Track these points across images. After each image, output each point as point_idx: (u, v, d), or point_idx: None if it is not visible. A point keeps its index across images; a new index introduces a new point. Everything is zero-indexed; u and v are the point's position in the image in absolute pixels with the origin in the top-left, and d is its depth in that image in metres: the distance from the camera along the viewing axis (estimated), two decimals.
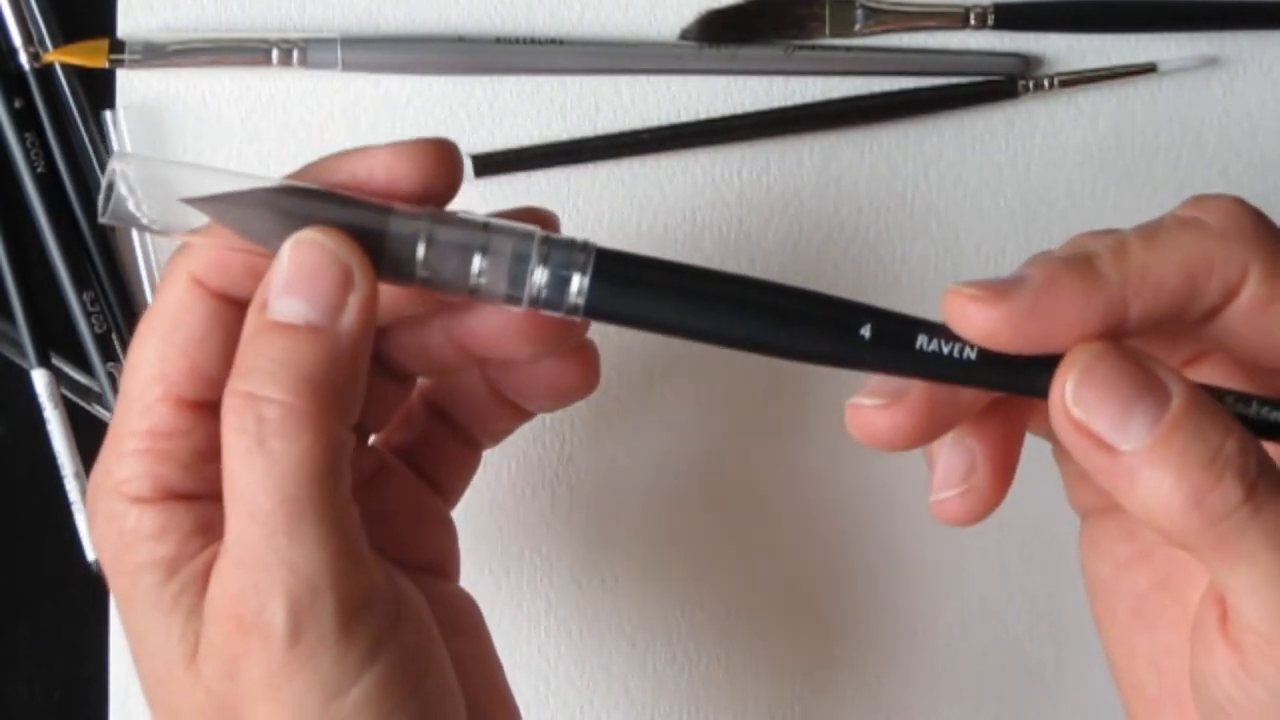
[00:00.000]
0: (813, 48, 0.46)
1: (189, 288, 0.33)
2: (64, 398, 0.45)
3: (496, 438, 0.41)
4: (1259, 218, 0.33)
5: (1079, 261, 0.31)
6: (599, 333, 0.47)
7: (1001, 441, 0.35)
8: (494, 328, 0.36)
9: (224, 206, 0.31)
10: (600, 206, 0.46)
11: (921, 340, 0.32)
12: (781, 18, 0.46)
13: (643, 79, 0.46)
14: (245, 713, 0.32)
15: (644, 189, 0.47)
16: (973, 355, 0.32)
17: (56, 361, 0.45)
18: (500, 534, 0.47)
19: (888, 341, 0.32)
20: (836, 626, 0.48)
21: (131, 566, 0.33)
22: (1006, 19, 0.46)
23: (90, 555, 0.45)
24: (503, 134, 0.46)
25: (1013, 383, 0.32)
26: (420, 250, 0.31)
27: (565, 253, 0.32)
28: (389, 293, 0.33)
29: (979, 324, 0.31)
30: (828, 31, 0.46)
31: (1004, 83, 0.47)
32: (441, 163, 0.33)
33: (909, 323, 0.32)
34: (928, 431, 0.33)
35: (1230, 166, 0.47)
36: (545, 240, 0.32)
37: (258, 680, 0.31)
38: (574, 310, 0.32)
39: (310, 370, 0.31)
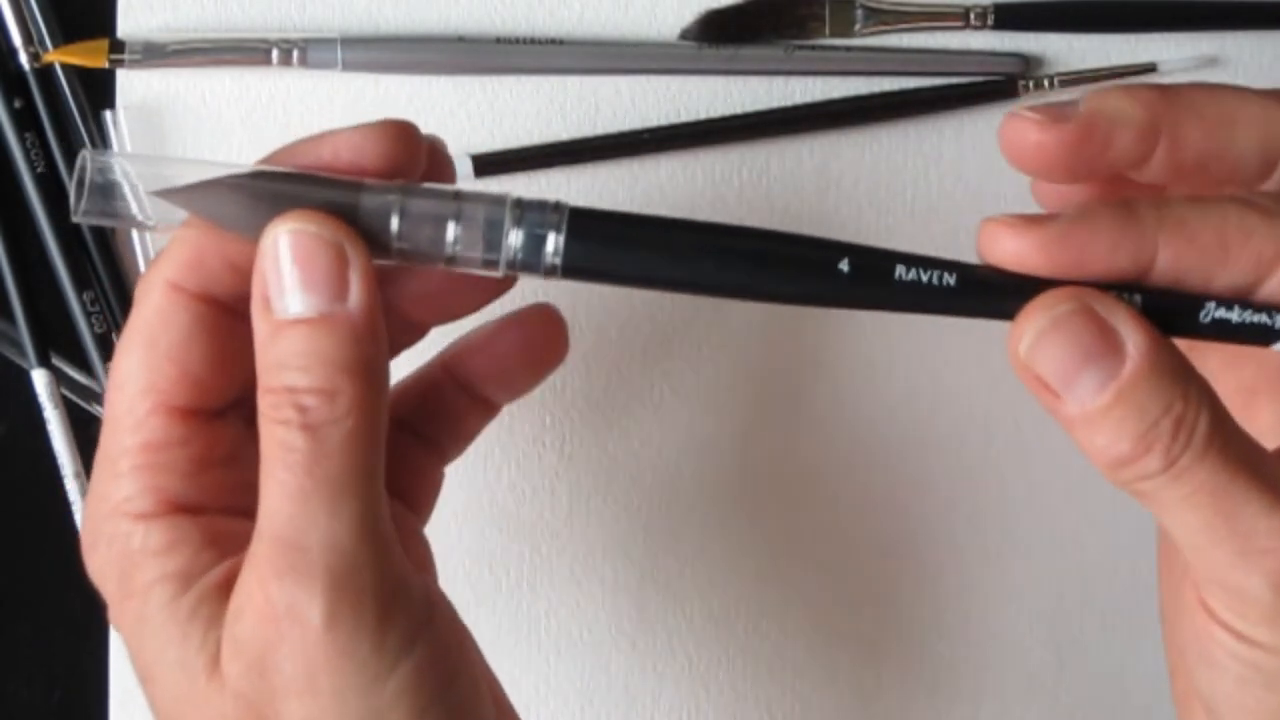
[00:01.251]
0: (813, 48, 0.46)
1: (167, 294, 0.33)
2: (64, 398, 0.45)
3: (460, 440, 0.41)
4: None
5: (1118, 202, 0.32)
6: (596, 335, 0.47)
7: None
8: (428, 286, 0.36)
9: (195, 196, 0.31)
10: (600, 207, 0.46)
11: (900, 270, 0.32)
12: (781, 18, 0.46)
13: (643, 79, 0.46)
14: (278, 708, 0.31)
15: (644, 189, 0.47)
16: (952, 281, 0.32)
17: (56, 361, 0.45)
18: (500, 534, 0.47)
19: (866, 274, 0.32)
20: (836, 627, 0.48)
21: (142, 586, 0.32)
22: (1006, 19, 0.46)
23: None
24: (503, 134, 0.46)
25: (990, 310, 0.33)
26: (395, 223, 0.32)
27: (539, 214, 0.32)
28: None
29: (1009, 249, 0.32)
30: (828, 31, 0.46)
31: (1004, 83, 0.47)
32: (403, 140, 0.33)
33: (886, 255, 0.32)
34: (1073, 162, 0.34)
35: None
36: (518, 203, 0.32)
37: (293, 673, 0.30)
38: (552, 271, 0.32)
39: (338, 356, 0.31)
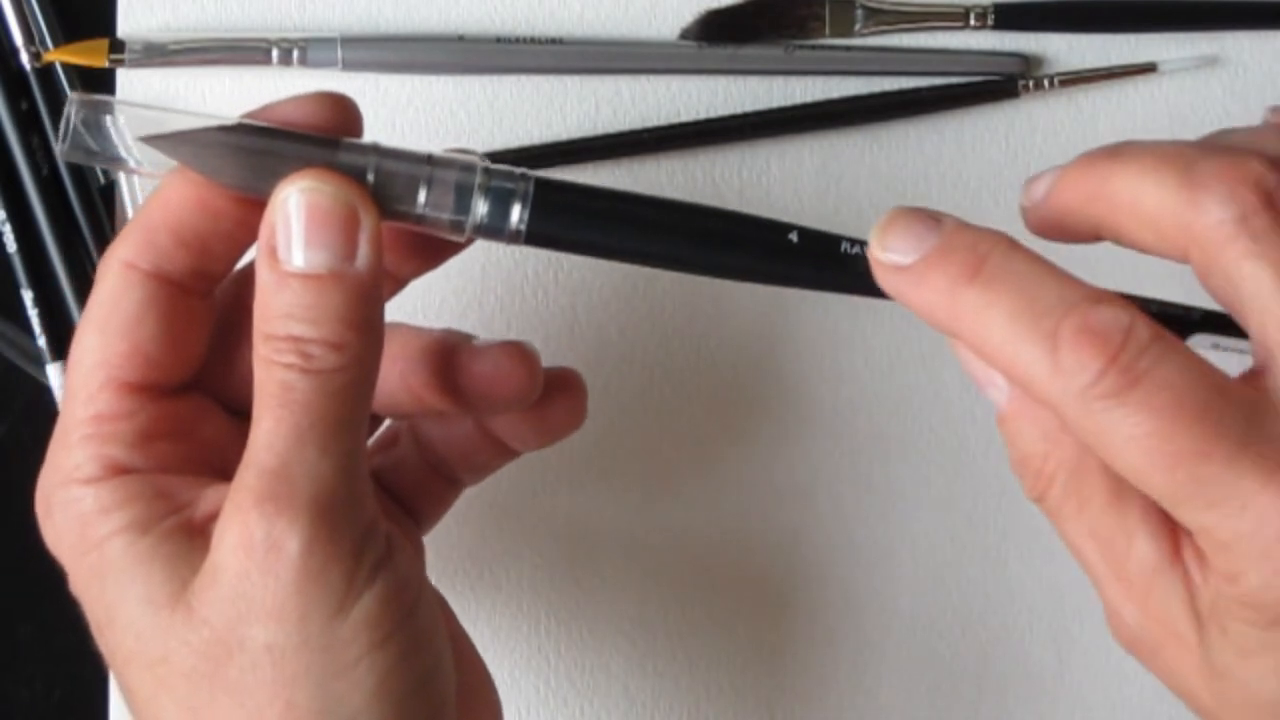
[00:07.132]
0: (813, 48, 0.46)
1: (122, 273, 0.34)
2: None
3: (478, 475, 0.42)
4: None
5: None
6: (597, 335, 0.47)
7: None
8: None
9: (178, 143, 0.33)
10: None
11: (845, 245, 0.34)
12: (781, 18, 0.46)
13: (643, 79, 0.46)
14: (242, 635, 0.32)
15: (644, 189, 0.46)
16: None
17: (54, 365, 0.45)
18: (500, 534, 0.47)
19: (813, 249, 0.34)
20: (836, 627, 0.48)
21: (98, 539, 0.33)
22: (1006, 19, 0.46)
23: None
24: (503, 134, 0.46)
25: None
26: (370, 179, 0.33)
27: (506, 182, 0.33)
28: None
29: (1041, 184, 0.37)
30: (828, 31, 0.46)
31: (1004, 83, 0.47)
32: (339, 107, 0.35)
33: (831, 236, 0.34)
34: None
35: None
36: (486, 171, 0.33)
37: (262, 599, 0.31)
38: (516, 237, 0.33)
39: (346, 312, 0.32)
